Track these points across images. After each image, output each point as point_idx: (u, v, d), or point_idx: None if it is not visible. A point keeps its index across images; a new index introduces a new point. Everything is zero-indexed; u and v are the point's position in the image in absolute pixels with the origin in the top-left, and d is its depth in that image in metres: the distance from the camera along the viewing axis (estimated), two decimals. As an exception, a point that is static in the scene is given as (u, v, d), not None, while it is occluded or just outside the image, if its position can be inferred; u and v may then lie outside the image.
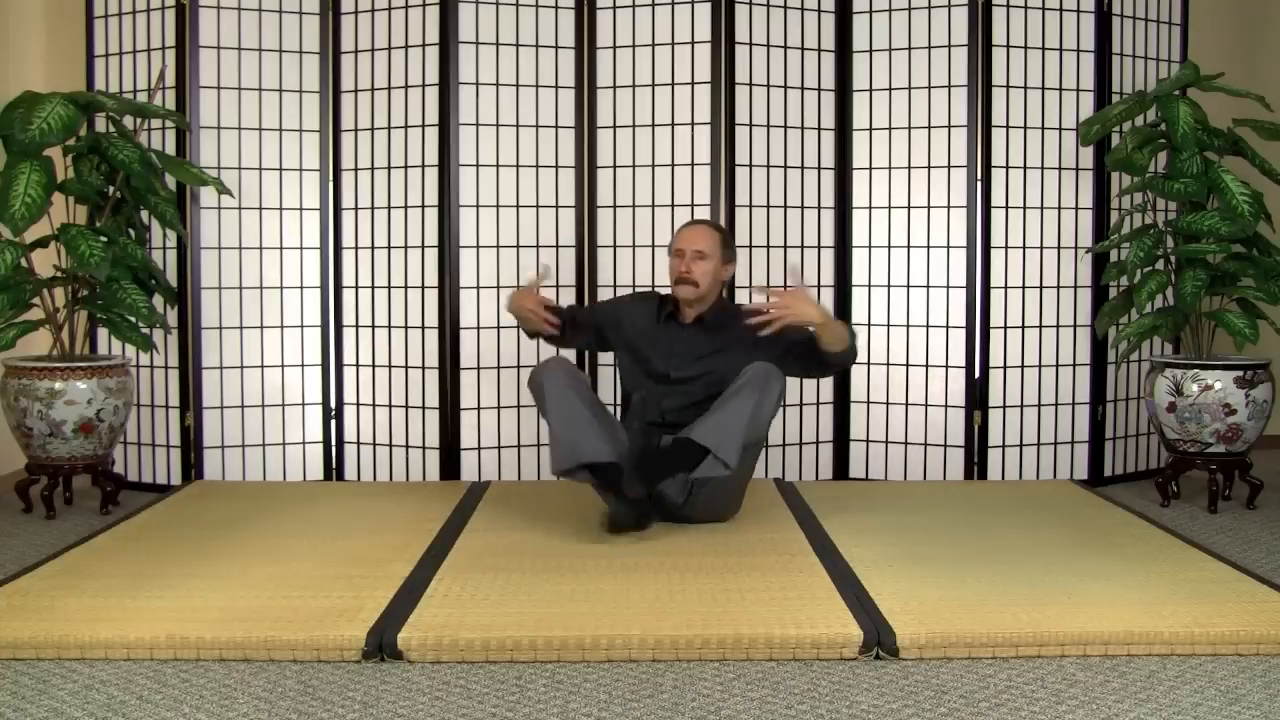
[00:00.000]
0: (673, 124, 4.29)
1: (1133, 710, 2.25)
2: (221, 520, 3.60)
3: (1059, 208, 4.34)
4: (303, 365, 4.39)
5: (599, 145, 4.35)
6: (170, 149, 4.23)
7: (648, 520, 3.42)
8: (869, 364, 4.37)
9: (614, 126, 4.34)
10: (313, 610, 2.69)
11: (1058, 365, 4.35)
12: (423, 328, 4.30)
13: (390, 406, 4.35)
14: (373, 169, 4.35)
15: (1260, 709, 2.26)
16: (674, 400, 3.60)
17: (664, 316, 3.68)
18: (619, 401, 4.14)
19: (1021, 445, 4.34)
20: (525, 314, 3.64)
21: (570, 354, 4.17)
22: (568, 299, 4.35)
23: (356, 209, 4.38)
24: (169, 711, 2.24)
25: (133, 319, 3.95)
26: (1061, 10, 4.29)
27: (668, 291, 3.71)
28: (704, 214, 4.25)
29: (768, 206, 4.32)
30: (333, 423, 4.44)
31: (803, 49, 4.35)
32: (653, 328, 3.67)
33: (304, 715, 2.23)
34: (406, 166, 4.29)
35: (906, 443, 4.37)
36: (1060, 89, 4.31)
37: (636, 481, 3.36)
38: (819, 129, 4.39)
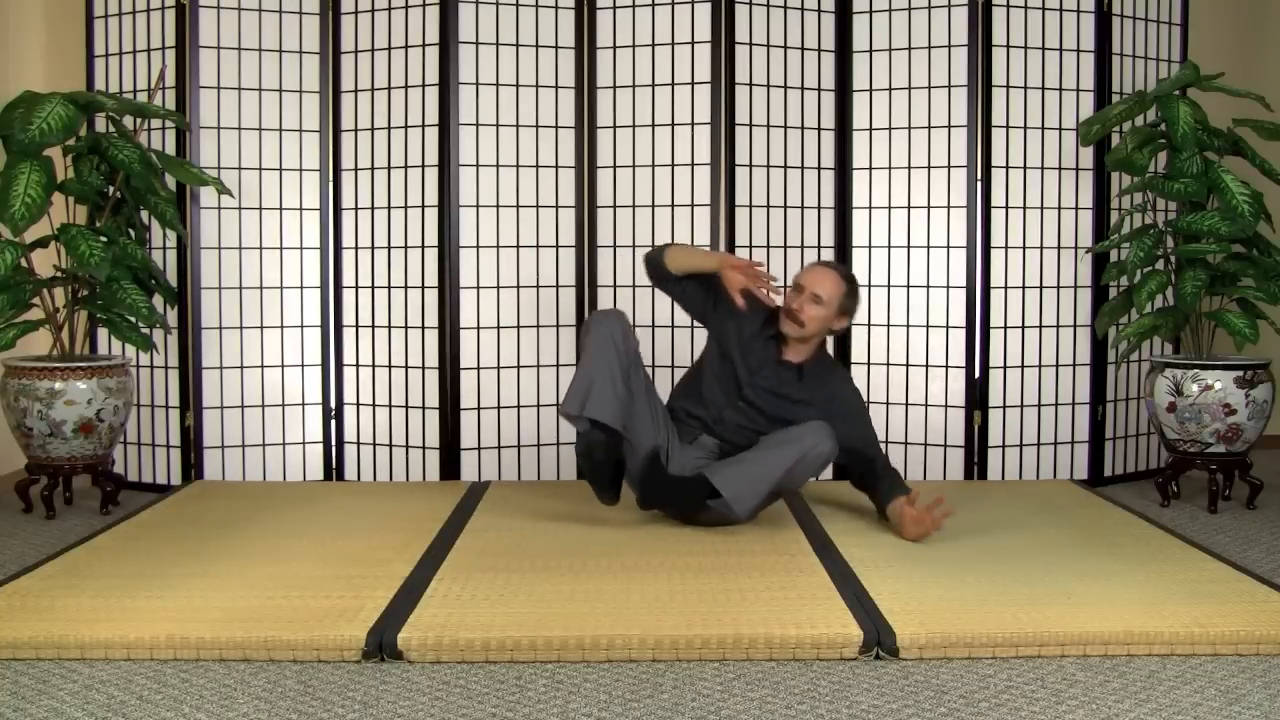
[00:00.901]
0: (673, 124, 4.29)
1: (1133, 710, 2.25)
2: (221, 520, 3.60)
3: (1059, 208, 4.34)
4: (303, 365, 4.39)
5: (599, 145, 4.35)
6: (170, 149, 4.23)
7: (612, 501, 3.48)
8: (869, 364, 4.37)
9: (614, 126, 4.34)
10: (313, 610, 2.69)
11: (1058, 365, 4.35)
12: (423, 328, 4.30)
13: (390, 406, 4.35)
14: (373, 169, 4.35)
15: (1260, 709, 2.26)
16: (734, 416, 3.56)
17: (767, 336, 3.57)
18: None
19: (1021, 445, 4.34)
20: (732, 276, 3.46)
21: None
22: (568, 299, 4.35)
23: (356, 209, 4.38)
24: (169, 711, 2.24)
25: (133, 319, 3.95)
26: (1061, 10, 4.29)
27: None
28: (704, 214, 4.26)
29: (768, 206, 4.32)
30: (333, 423, 4.44)
31: (803, 49, 4.35)
32: (754, 339, 3.57)
33: (304, 715, 2.23)
34: (406, 166, 4.29)
35: (906, 443, 4.37)
36: (1060, 89, 4.31)
37: (640, 493, 3.43)
38: (819, 129, 4.39)
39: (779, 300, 3.58)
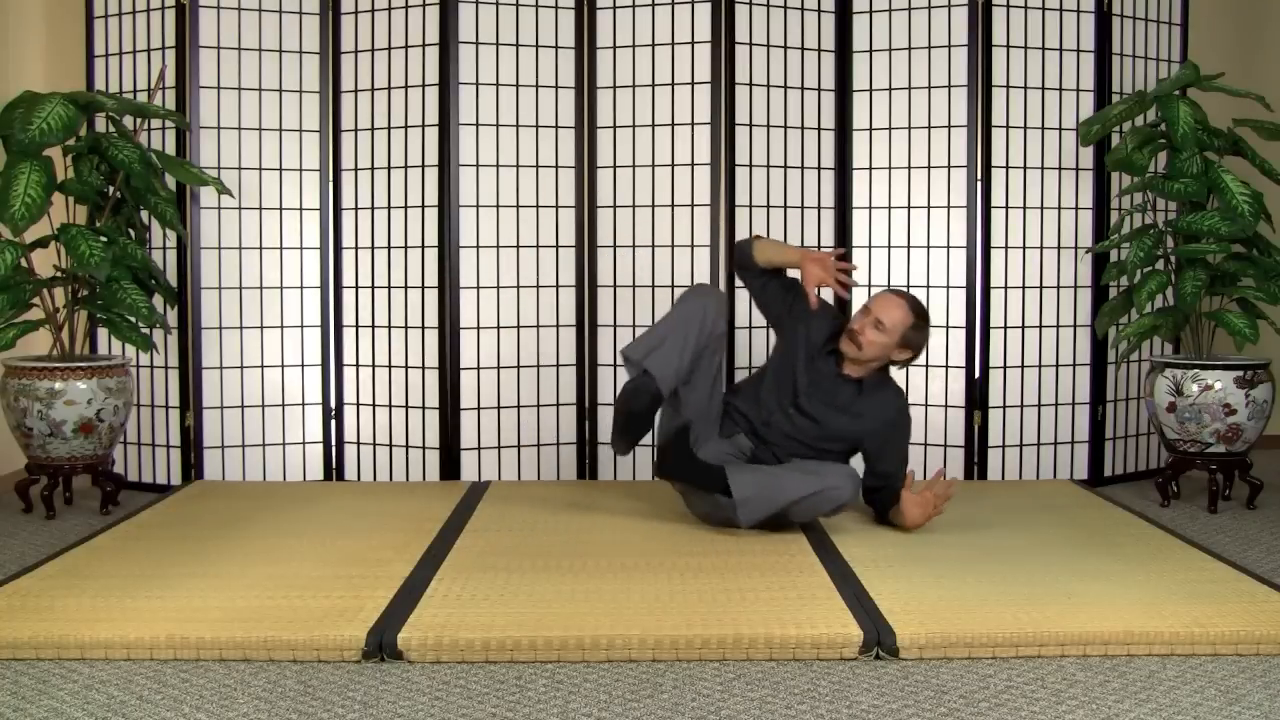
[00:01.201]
0: (673, 124, 4.29)
1: (1133, 710, 2.25)
2: (221, 520, 3.60)
3: (1059, 208, 4.34)
4: (303, 365, 4.39)
5: (599, 145, 4.35)
6: (170, 149, 4.23)
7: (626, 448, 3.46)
8: (869, 364, 4.37)
9: (614, 126, 4.34)
10: (313, 610, 2.69)
11: (1058, 365, 4.35)
12: (423, 328, 4.30)
13: (390, 406, 4.35)
14: (373, 169, 4.35)
15: (1260, 709, 2.26)
16: (783, 423, 3.50)
17: (828, 350, 3.52)
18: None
19: (1021, 445, 4.34)
20: (812, 269, 3.44)
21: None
22: (568, 299, 4.35)
23: (356, 209, 4.38)
24: (169, 711, 2.24)
25: (133, 319, 3.95)
26: (1061, 10, 4.29)
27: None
28: (704, 214, 4.25)
29: (768, 206, 4.32)
30: (333, 423, 4.44)
31: (803, 49, 4.35)
32: (818, 350, 3.53)
33: (304, 715, 2.23)
34: (406, 166, 4.29)
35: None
36: (1060, 89, 4.31)
37: (659, 460, 3.44)
38: (819, 129, 4.39)
39: (850, 297, 3.56)
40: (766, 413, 3.53)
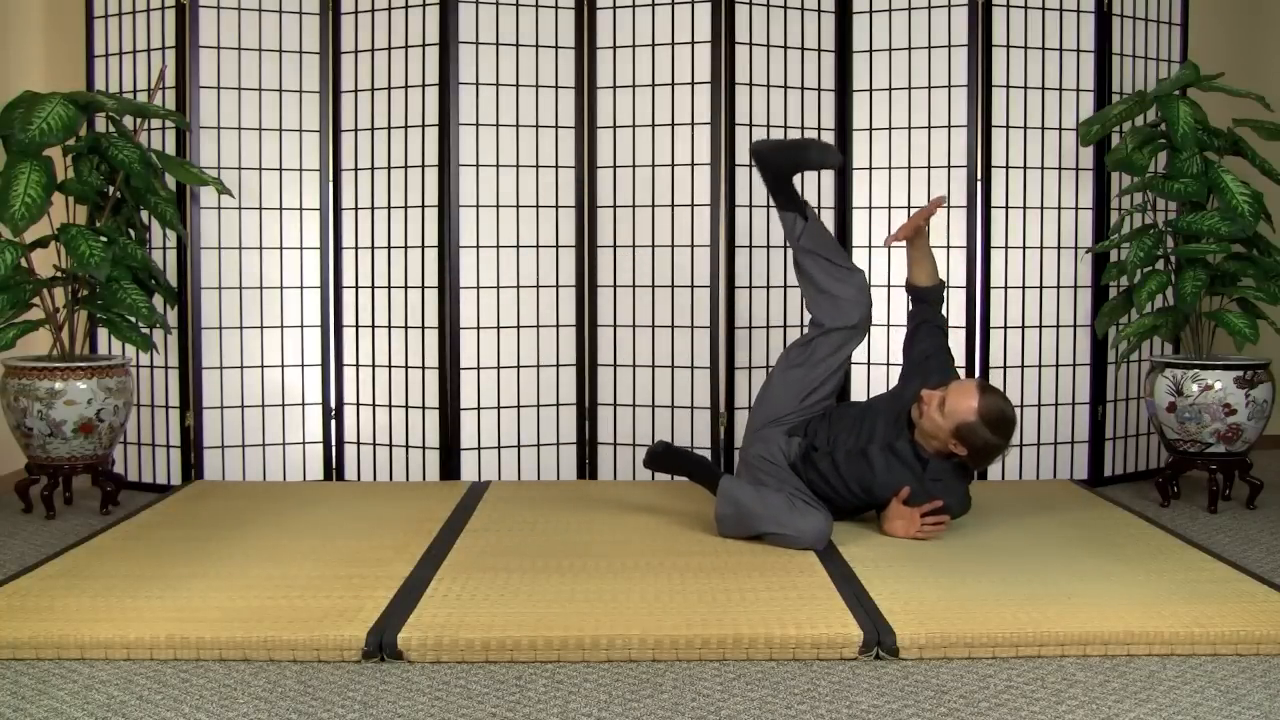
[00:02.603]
0: (673, 124, 4.29)
1: (1133, 710, 2.25)
2: (221, 520, 3.61)
3: (1059, 208, 4.34)
4: (303, 365, 4.39)
5: (599, 145, 4.35)
6: (170, 149, 4.23)
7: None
8: (869, 364, 4.37)
9: (614, 126, 4.34)
10: (313, 610, 2.69)
11: (1058, 365, 4.35)
12: (423, 328, 4.30)
13: (390, 406, 4.35)
14: (373, 169, 4.35)
15: (1260, 709, 2.26)
16: (840, 459, 3.39)
17: (907, 414, 3.41)
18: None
19: (1021, 445, 4.34)
20: (908, 222, 3.68)
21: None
22: (568, 299, 4.36)
23: (356, 209, 4.38)
24: (169, 711, 2.24)
25: (133, 319, 3.95)
26: (1061, 10, 4.29)
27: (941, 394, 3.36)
28: (704, 214, 4.25)
29: (768, 207, 4.32)
30: (333, 423, 4.44)
31: (803, 49, 4.35)
32: (904, 411, 3.44)
33: (304, 715, 2.23)
34: (406, 166, 4.29)
35: (906, 443, 4.36)
36: (1060, 89, 4.31)
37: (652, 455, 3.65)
38: (819, 129, 4.39)
39: (926, 226, 3.69)
40: (831, 443, 3.44)
